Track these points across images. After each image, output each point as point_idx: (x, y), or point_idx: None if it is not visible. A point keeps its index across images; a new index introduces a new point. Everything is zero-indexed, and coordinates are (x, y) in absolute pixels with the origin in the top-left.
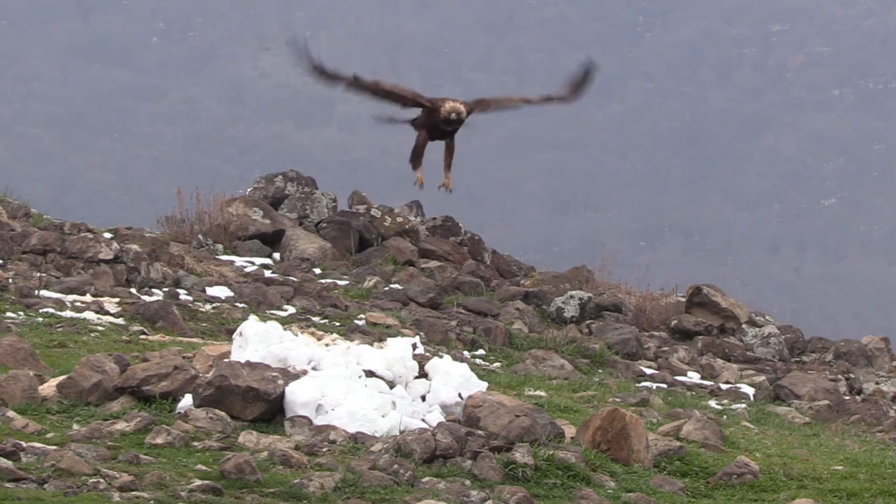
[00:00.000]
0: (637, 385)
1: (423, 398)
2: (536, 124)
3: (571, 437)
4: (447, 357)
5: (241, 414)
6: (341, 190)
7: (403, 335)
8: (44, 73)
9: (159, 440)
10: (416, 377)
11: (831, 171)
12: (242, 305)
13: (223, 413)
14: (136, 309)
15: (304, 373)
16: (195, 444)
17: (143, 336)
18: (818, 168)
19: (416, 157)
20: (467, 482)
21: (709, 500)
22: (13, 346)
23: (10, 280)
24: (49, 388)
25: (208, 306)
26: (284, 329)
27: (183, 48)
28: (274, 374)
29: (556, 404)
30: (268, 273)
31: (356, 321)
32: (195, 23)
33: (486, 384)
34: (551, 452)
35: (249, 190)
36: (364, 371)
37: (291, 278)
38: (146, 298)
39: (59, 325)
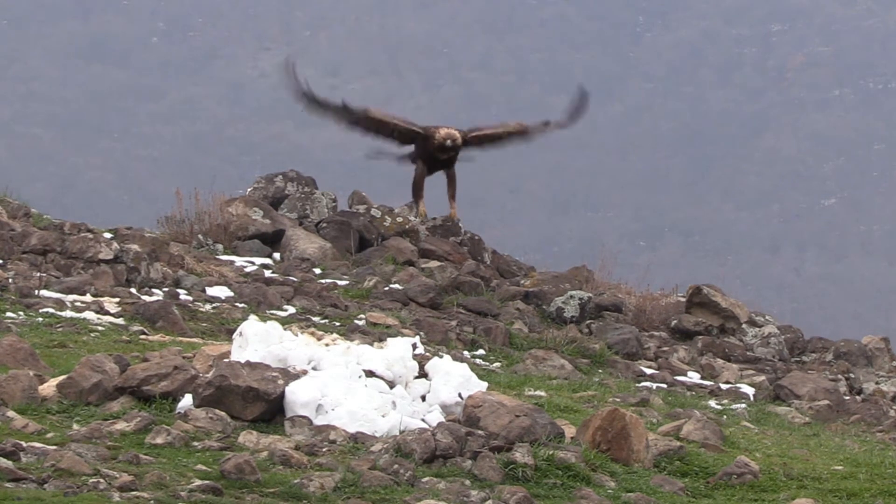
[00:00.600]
0: (637, 385)
1: (423, 398)
2: None
3: (571, 437)
4: (447, 357)
5: (241, 414)
6: (341, 190)
7: (403, 335)
8: (44, 73)
9: (159, 440)
10: (416, 377)
11: (831, 171)
12: (242, 305)
13: (223, 413)
14: (136, 309)
15: (304, 373)
16: (195, 444)
17: (143, 336)
18: (818, 168)
19: (417, 191)
20: (467, 482)
21: (709, 500)
22: (13, 346)
23: (10, 280)
24: (49, 388)
25: (208, 306)
26: (284, 329)
27: (183, 48)
28: (274, 374)
29: (556, 404)
30: (268, 273)
31: (356, 321)
32: (195, 23)
33: (486, 384)
34: (551, 452)
35: (249, 190)
36: (364, 371)
37: (291, 278)
38: (146, 298)
39: (59, 325)
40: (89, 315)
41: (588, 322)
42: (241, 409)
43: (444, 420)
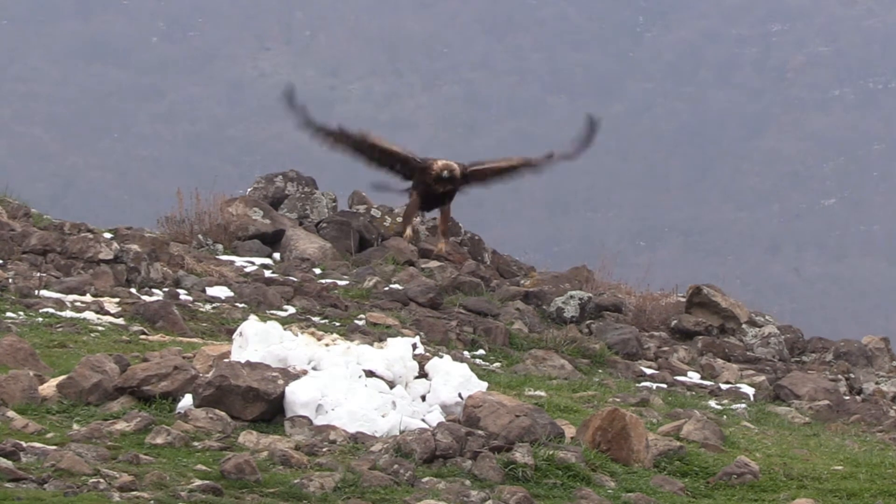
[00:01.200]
0: (637, 385)
1: (423, 398)
2: (536, 125)
3: (571, 437)
4: (447, 357)
5: (241, 414)
6: (341, 190)
7: (403, 335)
8: (44, 73)
9: (159, 440)
10: (416, 377)
11: (831, 171)
12: (242, 305)
13: (223, 413)
14: (136, 309)
15: (304, 373)
16: (195, 444)
17: (143, 336)
18: (818, 168)
19: (406, 220)
20: (467, 482)
21: (709, 500)
22: (13, 346)
23: (10, 280)
24: (49, 388)
25: (208, 306)
26: (284, 329)
27: (183, 48)
28: (274, 374)
29: (556, 404)
30: (268, 273)
31: (356, 321)
32: (195, 23)
33: (486, 384)
34: (551, 452)
35: (249, 190)
36: (364, 371)
37: (291, 278)
38: (146, 298)
39: (59, 325)
40: (89, 315)
41: (588, 322)
42: (241, 409)
43: (444, 420)
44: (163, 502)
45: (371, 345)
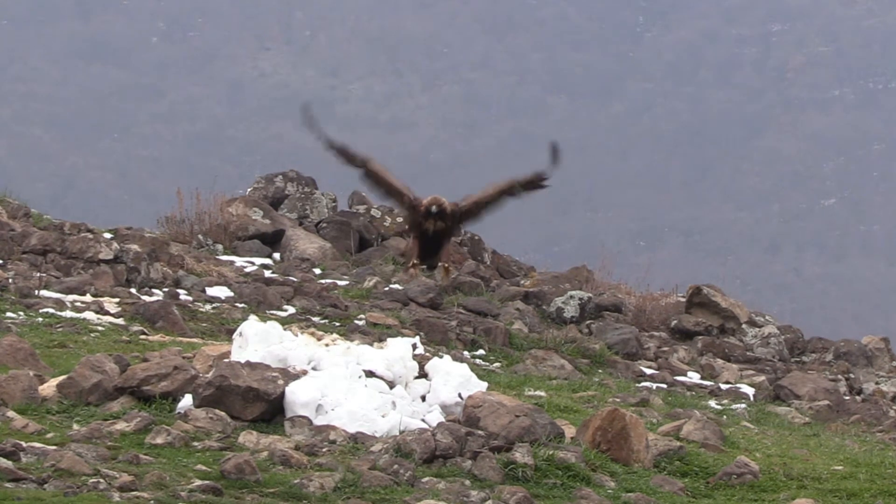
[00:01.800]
0: (637, 385)
1: (423, 398)
2: (536, 125)
3: (571, 437)
4: (447, 357)
5: (241, 414)
6: (341, 190)
7: (403, 335)
8: (44, 73)
9: (159, 440)
10: (416, 377)
11: (831, 171)
12: (242, 305)
13: (223, 413)
14: (136, 309)
15: (304, 373)
16: (195, 444)
17: (143, 336)
18: (818, 168)
19: (407, 262)
20: (467, 482)
21: (709, 500)
22: (13, 346)
23: (10, 280)
24: (49, 388)
25: (208, 306)
26: (284, 329)
27: (183, 48)
28: (274, 374)
29: (556, 404)
30: (268, 273)
31: (356, 321)
32: (195, 23)
33: (486, 384)
34: (551, 452)
35: (249, 190)
36: (364, 371)
37: (291, 278)
38: (146, 298)
39: (59, 325)
40: (89, 315)
41: (588, 322)
42: (241, 409)
43: (444, 420)
44: (163, 502)
45: (371, 345)
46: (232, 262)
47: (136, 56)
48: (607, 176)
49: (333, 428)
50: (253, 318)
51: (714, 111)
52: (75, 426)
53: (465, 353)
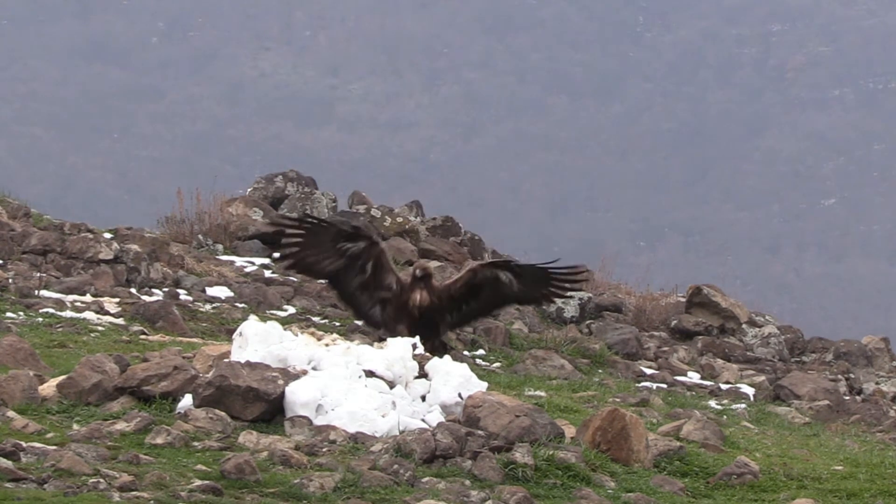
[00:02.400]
0: (637, 385)
1: (423, 398)
2: (536, 124)
3: (571, 437)
4: (447, 357)
5: (241, 414)
6: (341, 190)
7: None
8: (44, 73)
9: (159, 440)
10: (416, 377)
11: (831, 171)
12: (242, 305)
13: (223, 413)
14: (136, 309)
15: (304, 373)
16: (195, 444)
17: (143, 336)
18: (818, 168)
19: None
20: (467, 482)
21: (709, 500)
22: (13, 346)
23: (10, 280)
24: (49, 388)
25: (208, 306)
26: (284, 329)
27: (183, 48)
28: (274, 374)
29: (556, 404)
30: (268, 273)
31: (356, 321)
32: (195, 23)
33: (486, 384)
34: (551, 452)
35: (249, 190)
36: (364, 371)
37: (291, 278)
38: (146, 298)
39: (59, 325)
40: (89, 315)
41: (588, 322)
42: (241, 409)
43: (444, 420)
44: (163, 502)
45: (371, 345)
46: (232, 262)
47: (136, 56)
48: (607, 176)
49: (333, 428)
50: (253, 318)
51: (714, 111)
52: (75, 426)
53: (465, 353)
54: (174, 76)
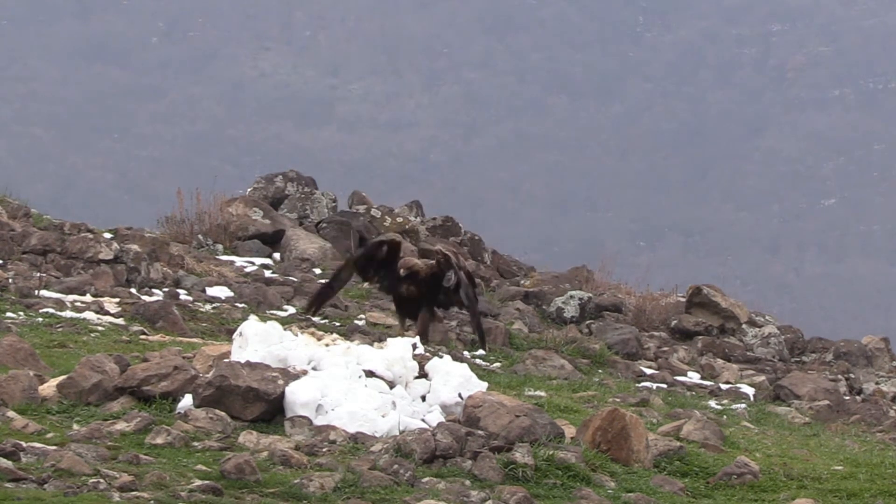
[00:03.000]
0: (637, 385)
1: (423, 398)
2: (536, 124)
3: (571, 437)
4: (447, 357)
5: (241, 414)
6: (341, 190)
7: (403, 335)
8: (44, 73)
9: (159, 440)
10: (416, 377)
11: (831, 171)
12: (242, 305)
13: (223, 413)
14: (136, 309)
15: (304, 373)
16: (195, 444)
17: (143, 336)
18: (818, 168)
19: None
20: (467, 482)
21: (709, 500)
22: (13, 346)
23: (10, 280)
24: (49, 388)
25: (208, 306)
26: (284, 329)
27: (183, 48)
28: (274, 374)
29: (556, 404)
30: (268, 273)
31: (356, 321)
32: (195, 23)
33: (486, 384)
34: (551, 452)
35: (249, 190)
36: (364, 371)
37: (291, 278)
38: (146, 298)
39: (59, 325)
40: (89, 315)
41: (588, 322)
42: (241, 409)
43: (444, 420)
44: (163, 502)
45: (371, 345)
46: (232, 262)
47: (136, 56)
48: (607, 176)
49: (333, 428)
50: (253, 318)
51: (714, 111)
52: (75, 426)
53: (465, 353)
54: (174, 76)
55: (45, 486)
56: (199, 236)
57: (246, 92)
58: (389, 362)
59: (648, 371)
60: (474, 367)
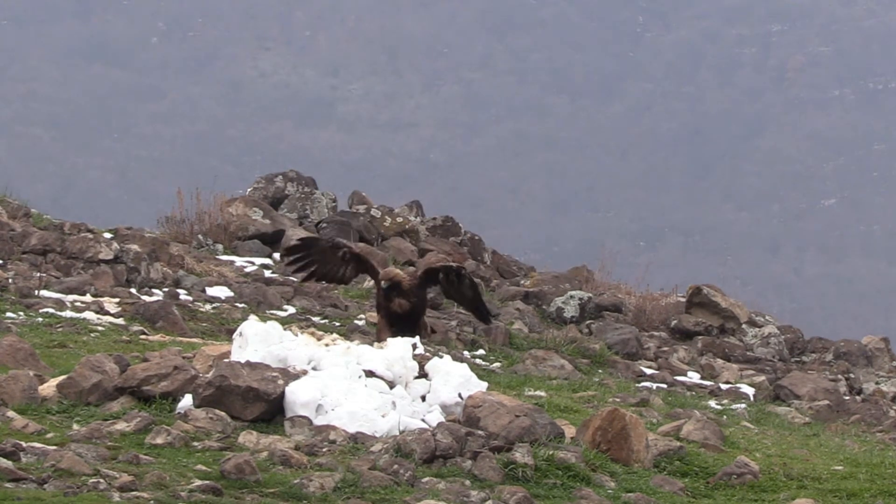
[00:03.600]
0: (637, 385)
1: (423, 398)
2: (536, 124)
3: (571, 437)
4: (447, 357)
5: (241, 414)
6: (341, 190)
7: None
8: (44, 73)
9: (159, 440)
10: (416, 377)
11: (831, 171)
12: (242, 305)
13: (223, 413)
14: (136, 309)
15: (304, 373)
16: (195, 444)
17: (143, 336)
18: (818, 168)
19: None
20: (467, 482)
21: (709, 500)
22: (13, 346)
23: (10, 280)
24: (49, 388)
25: (208, 306)
26: (284, 329)
27: (183, 48)
28: (274, 374)
29: (556, 404)
30: (268, 273)
31: (356, 321)
32: (195, 23)
33: (486, 384)
34: (551, 452)
35: (249, 190)
36: (364, 371)
37: (291, 278)
38: (146, 298)
39: (59, 325)
40: (89, 315)
41: (588, 322)
42: (241, 409)
43: (444, 420)
44: (163, 502)
45: (371, 345)
46: (232, 262)
47: (136, 56)
48: (607, 176)
49: (333, 428)
50: (253, 318)
51: (714, 111)
52: (75, 426)
53: (465, 353)
54: (174, 76)
55: (45, 486)
56: (199, 236)
57: (246, 92)
58: (389, 362)
59: (648, 371)
60: (474, 367)
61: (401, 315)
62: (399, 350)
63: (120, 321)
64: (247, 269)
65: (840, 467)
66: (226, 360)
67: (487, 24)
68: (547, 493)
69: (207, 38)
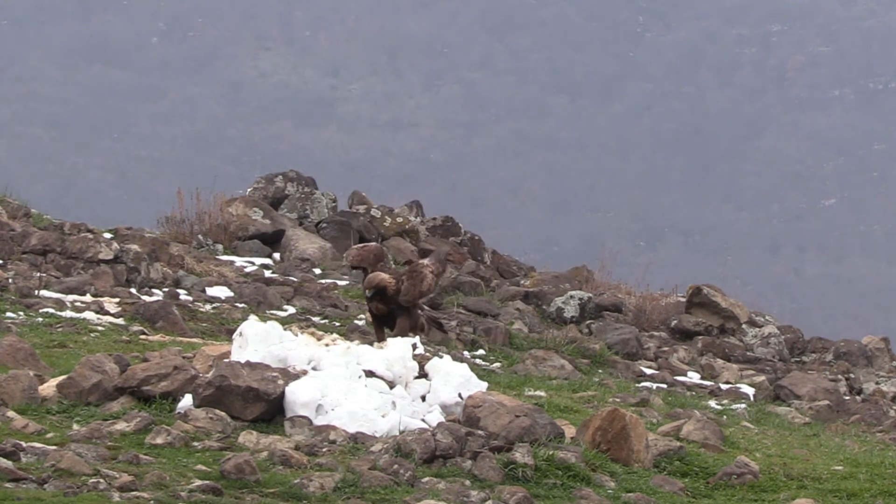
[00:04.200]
0: (637, 385)
1: (423, 398)
2: (536, 124)
3: (571, 437)
4: (447, 357)
5: (241, 414)
6: (341, 190)
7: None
8: (44, 73)
9: (159, 440)
10: (416, 377)
11: (831, 171)
12: (242, 305)
13: (223, 413)
14: (136, 309)
15: (304, 373)
16: (195, 444)
17: (143, 336)
18: (818, 168)
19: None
20: (467, 482)
21: (709, 500)
22: (13, 346)
23: (10, 280)
24: (49, 388)
25: (208, 306)
26: (284, 329)
27: (183, 48)
28: (274, 374)
29: (556, 404)
30: (268, 273)
31: (356, 321)
32: (195, 23)
33: (486, 384)
34: (551, 452)
35: (249, 190)
36: (364, 371)
37: (291, 278)
38: (146, 298)
39: (59, 325)
40: (89, 315)
41: (588, 322)
42: (241, 409)
43: (444, 420)
44: (163, 502)
45: (371, 345)
46: (232, 262)
47: (136, 56)
48: (607, 176)
49: (333, 428)
50: (253, 318)
51: (714, 111)
52: (75, 426)
53: (465, 353)
54: (174, 76)
55: (45, 486)
56: (199, 236)
57: (246, 92)
58: (389, 362)
59: (648, 371)
60: (474, 367)
61: (378, 316)
62: (399, 350)
63: (120, 321)
64: (247, 269)
65: (840, 467)
66: (226, 360)
67: (487, 24)
68: (547, 493)
69: (207, 38)
